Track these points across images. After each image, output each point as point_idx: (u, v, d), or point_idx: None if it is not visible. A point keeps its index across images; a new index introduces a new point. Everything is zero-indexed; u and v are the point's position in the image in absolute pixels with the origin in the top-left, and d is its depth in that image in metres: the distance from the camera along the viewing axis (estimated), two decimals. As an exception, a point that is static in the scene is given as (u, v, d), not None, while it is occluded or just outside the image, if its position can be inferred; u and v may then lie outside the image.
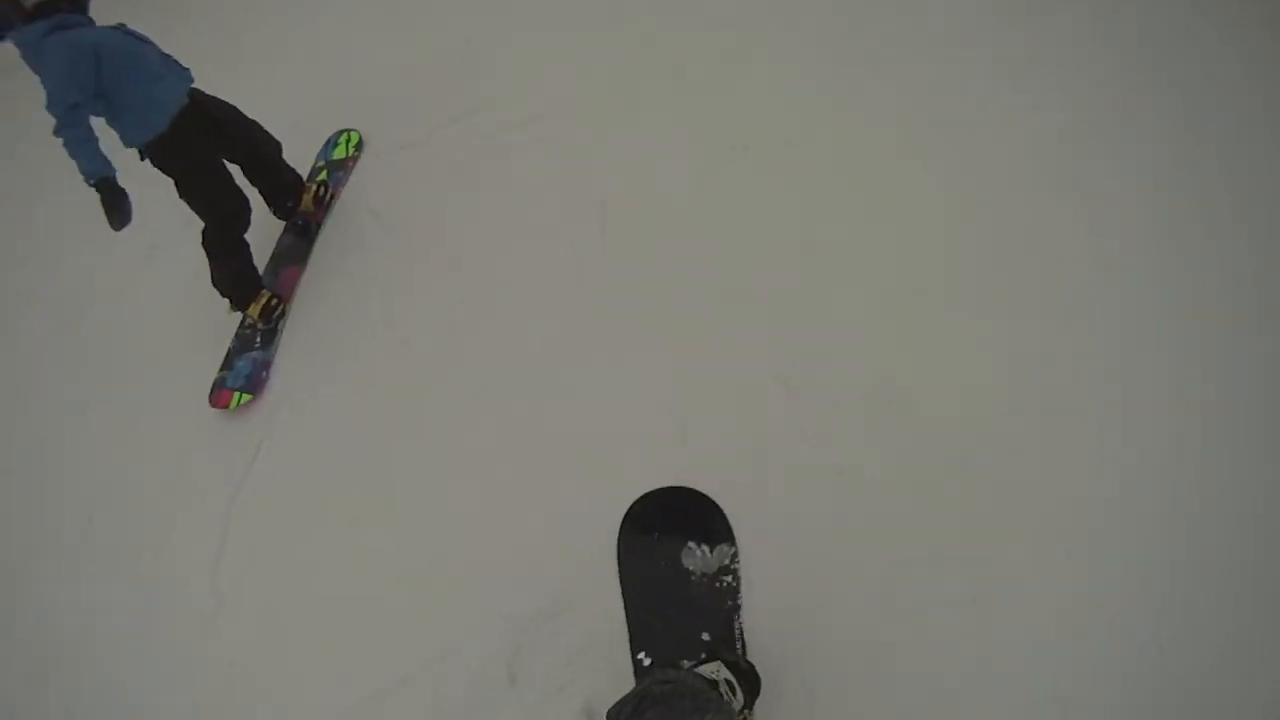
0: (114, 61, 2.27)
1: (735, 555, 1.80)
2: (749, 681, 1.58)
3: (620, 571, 1.83)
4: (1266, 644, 1.50)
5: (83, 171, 2.23)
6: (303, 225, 2.94)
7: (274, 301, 2.75)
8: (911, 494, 1.80)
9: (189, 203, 2.59)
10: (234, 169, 2.68)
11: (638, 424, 2.07)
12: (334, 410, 2.52)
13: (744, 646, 1.70)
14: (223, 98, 2.64)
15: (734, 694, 1.50)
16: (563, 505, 2.03)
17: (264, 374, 2.66)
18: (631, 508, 1.87)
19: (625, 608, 1.79)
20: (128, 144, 2.44)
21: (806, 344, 2.07)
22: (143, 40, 2.42)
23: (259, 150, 2.76)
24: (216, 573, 2.35)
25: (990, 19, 2.39)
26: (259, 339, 2.73)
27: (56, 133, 2.20)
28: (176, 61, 2.48)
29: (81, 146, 2.22)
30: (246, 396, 2.62)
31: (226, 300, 2.76)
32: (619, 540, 1.86)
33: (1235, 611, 1.54)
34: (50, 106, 2.19)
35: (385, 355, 2.54)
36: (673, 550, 1.82)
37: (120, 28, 2.39)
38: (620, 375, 2.19)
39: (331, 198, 2.98)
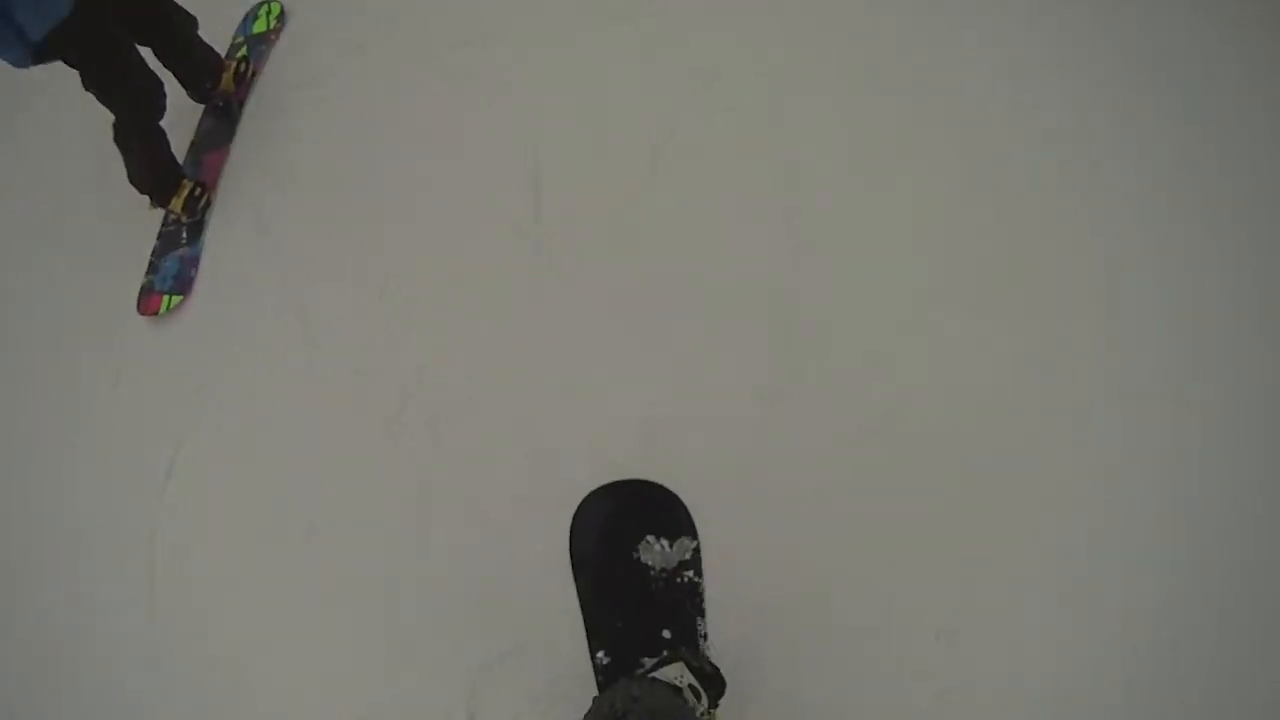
0: None
1: (697, 549, 1.68)
2: (713, 684, 1.52)
3: (574, 566, 1.70)
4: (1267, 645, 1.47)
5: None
6: (223, 106, 2.57)
7: (198, 191, 2.42)
8: (896, 493, 1.69)
9: (96, 93, 2.24)
10: (145, 53, 2.33)
11: (597, 431, 1.88)
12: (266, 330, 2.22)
13: (708, 644, 1.62)
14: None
15: (699, 698, 1.46)
16: (519, 527, 1.83)
17: (192, 272, 2.35)
18: (585, 499, 1.73)
19: (580, 604, 1.67)
20: (33, 36, 2.05)
21: (781, 339, 1.85)
22: None
23: (172, 28, 2.41)
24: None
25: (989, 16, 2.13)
26: (185, 234, 2.41)
27: None
28: None
29: None
30: (176, 298, 2.32)
31: (146, 197, 2.44)
32: (571, 533, 1.72)
33: (1235, 614, 1.50)
34: None
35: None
36: (630, 544, 1.69)
37: None
38: (571, 377, 1.94)
39: (254, 74, 2.62)
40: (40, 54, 2.08)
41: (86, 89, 2.24)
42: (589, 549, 1.70)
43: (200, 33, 2.50)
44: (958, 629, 1.57)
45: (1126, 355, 1.72)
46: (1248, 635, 1.48)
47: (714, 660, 1.58)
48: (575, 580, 1.69)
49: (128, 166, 2.39)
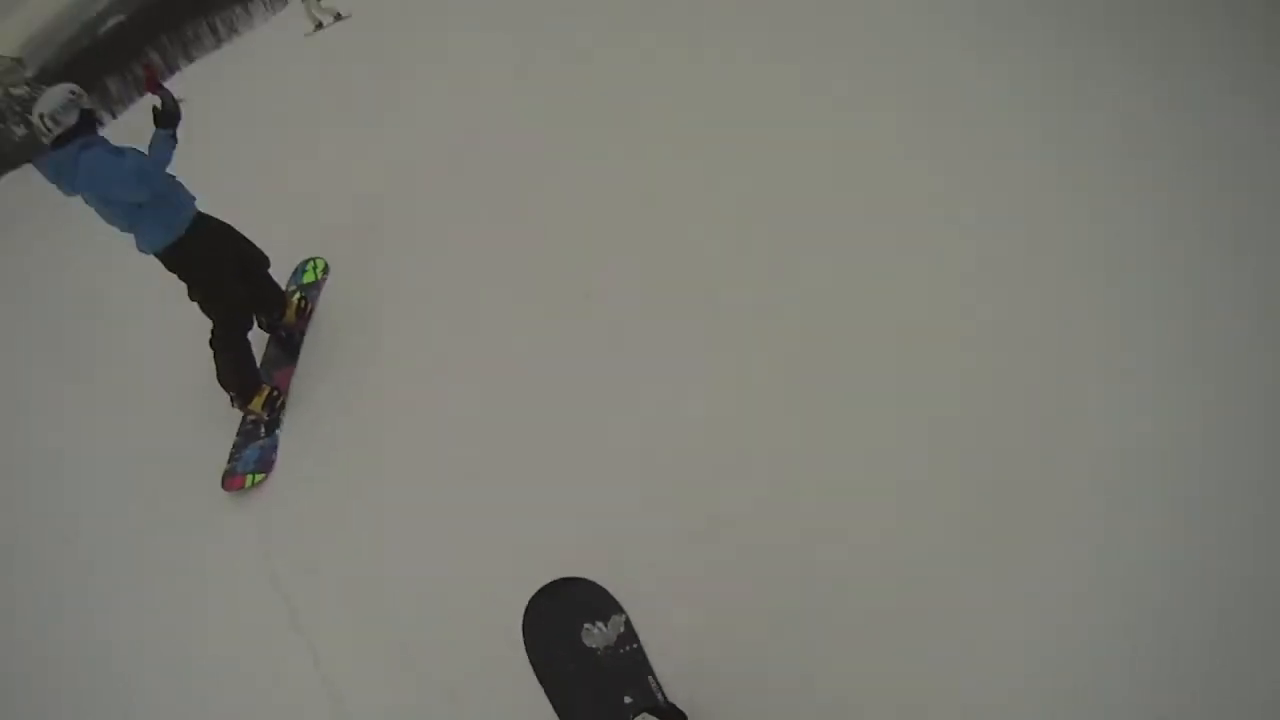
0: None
1: (627, 621, 1.94)
2: (674, 717, 1.79)
3: (535, 670, 1.93)
4: (1266, 647, 1.51)
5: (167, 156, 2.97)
6: (286, 336, 3.49)
7: (275, 393, 3.25)
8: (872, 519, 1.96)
9: (200, 302, 3.11)
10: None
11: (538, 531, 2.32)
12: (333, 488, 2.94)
13: (663, 693, 1.85)
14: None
15: None
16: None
17: (272, 456, 3.11)
18: (525, 614, 1.98)
19: (549, 699, 1.89)
20: (148, 248, 2.97)
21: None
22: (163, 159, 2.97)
23: (252, 262, 3.31)
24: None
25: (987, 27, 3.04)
26: (263, 430, 3.20)
27: (141, 184, 2.83)
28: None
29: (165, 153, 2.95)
30: (260, 476, 3.05)
31: (230, 395, 3.20)
32: (525, 645, 1.96)
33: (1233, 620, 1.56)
34: (135, 185, 2.81)
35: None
36: (572, 635, 1.93)
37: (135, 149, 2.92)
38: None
39: (310, 310, 3.59)
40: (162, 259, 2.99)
41: (192, 298, 3.12)
42: (541, 650, 1.94)
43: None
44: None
45: (1127, 354, 1.95)
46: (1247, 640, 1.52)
47: (672, 701, 1.83)
48: (539, 680, 1.91)
49: (218, 367, 3.16)
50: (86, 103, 2.88)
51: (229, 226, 3.26)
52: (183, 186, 3.08)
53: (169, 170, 3.01)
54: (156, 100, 3.03)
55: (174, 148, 2.99)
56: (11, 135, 13.96)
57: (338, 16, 11.01)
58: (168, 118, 2.99)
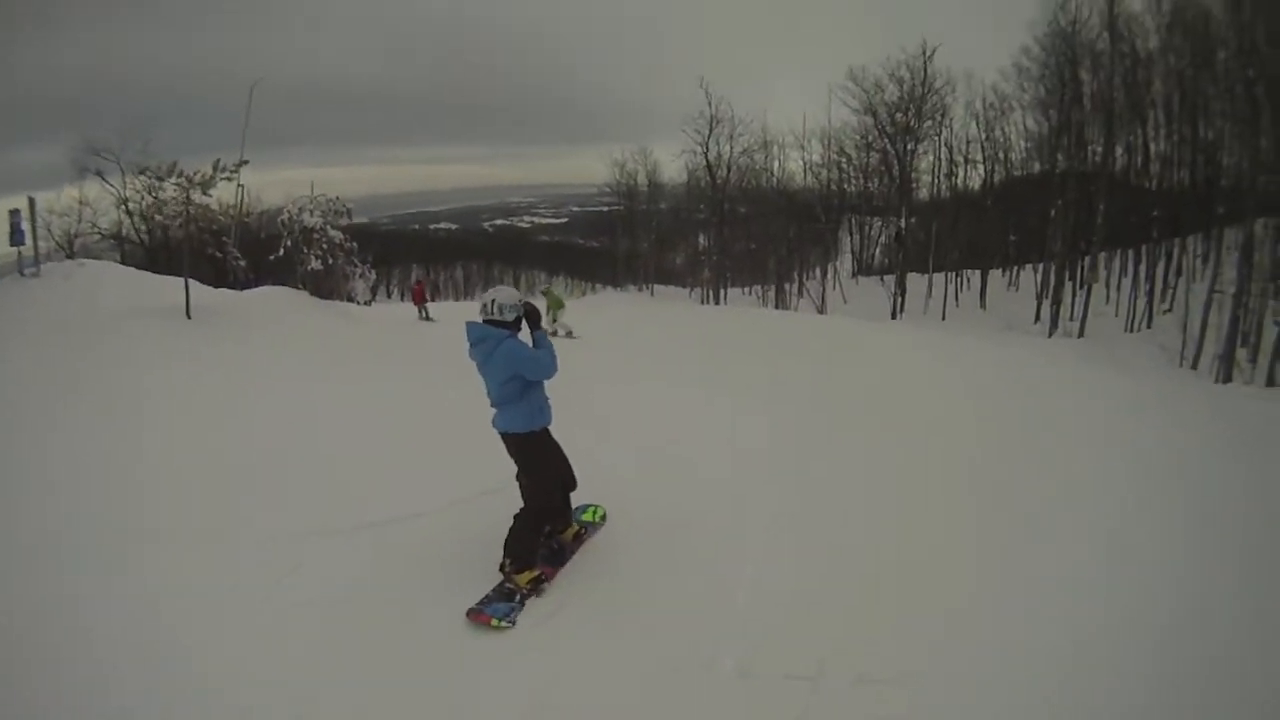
0: None
1: None
2: None
3: None
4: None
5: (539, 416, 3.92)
6: (558, 548, 4.24)
7: (542, 577, 3.91)
8: None
9: (531, 483, 3.95)
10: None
11: None
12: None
13: None
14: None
15: None
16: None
17: (515, 616, 3.69)
18: None
19: None
20: (504, 427, 3.91)
21: None
22: None
23: (571, 483, 4.19)
24: None
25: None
26: (519, 598, 3.81)
27: (548, 372, 3.85)
28: None
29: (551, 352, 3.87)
30: (506, 624, 3.62)
31: (506, 559, 3.90)
32: None
33: None
34: (540, 375, 3.85)
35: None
36: None
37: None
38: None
39: (583, 539, 4.43)
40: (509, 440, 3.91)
41: (525, 478, 3.98)
42: None
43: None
44: None
45: None
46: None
47: None
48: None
49: (514, 533, 3.89)
50: (521, 311, 3.95)
51: (561, 448, 4.18)
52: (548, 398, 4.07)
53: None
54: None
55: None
56: (307, 261, 15.32)
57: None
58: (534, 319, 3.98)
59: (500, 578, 3.97)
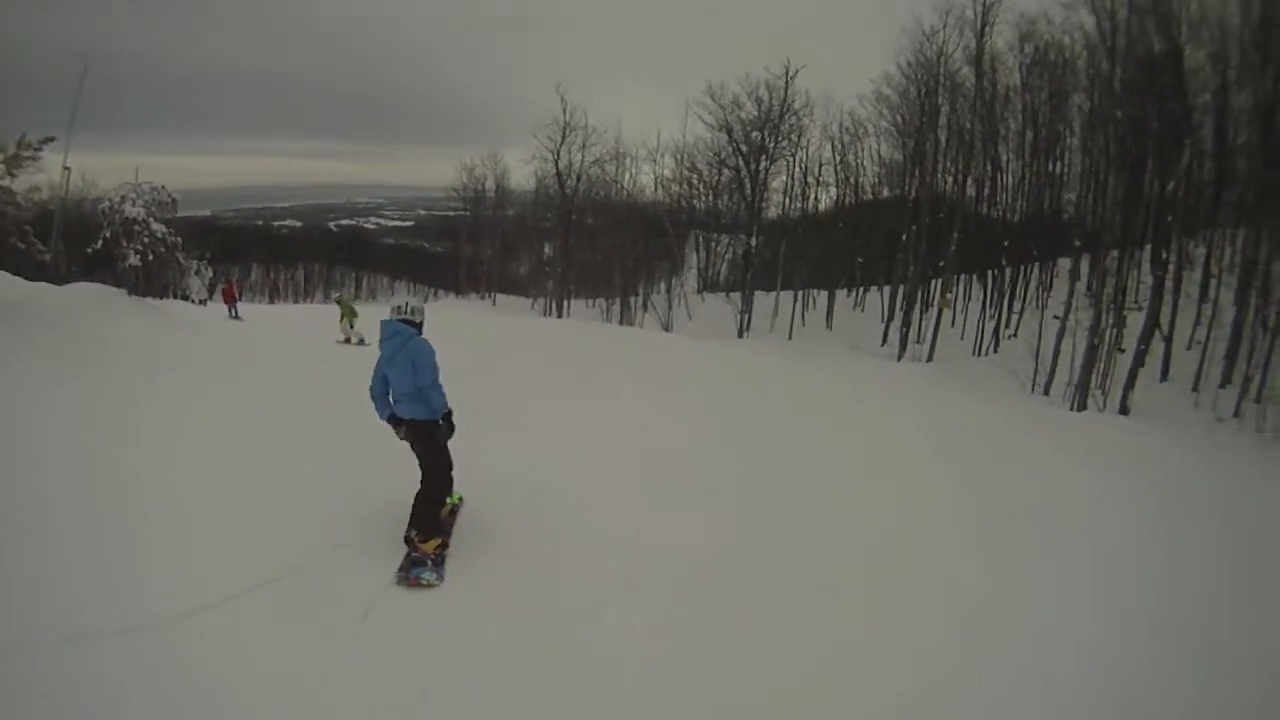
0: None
1: None
2: None
3: None
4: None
5: (441, 405, 4.76)
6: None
7: (444, 544, 4.91)
8: None
9: (429, 466, 4.87)
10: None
11: None
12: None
13: None
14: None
15: None
16: None
17: (438, 578, 4.67)
18: None
19: None
20: (408, 415, 4.75)
21: None
22: None
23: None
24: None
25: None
26: (430, 562, 4.77)
27: (433, 389, 4.70)
28: None
29: (439, 392, 4.75)
30: (437, 580, 4.63)
31: (413, 530, 4.78)
32: None
33: None
34: (430, 376, 4.69)
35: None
36: None
37: None
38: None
39: (456, 513, 5.48)
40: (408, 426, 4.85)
41: (426, 463, 4.87)
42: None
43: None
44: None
45: None
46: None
47: None
48: None
49: (417, 513, 4.80)
50: (422, 317, 4.91)
51: None
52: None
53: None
54: None
55: None
56: (126, 256, 14.18)
57: None
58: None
59: (406, 549, 4.84)
